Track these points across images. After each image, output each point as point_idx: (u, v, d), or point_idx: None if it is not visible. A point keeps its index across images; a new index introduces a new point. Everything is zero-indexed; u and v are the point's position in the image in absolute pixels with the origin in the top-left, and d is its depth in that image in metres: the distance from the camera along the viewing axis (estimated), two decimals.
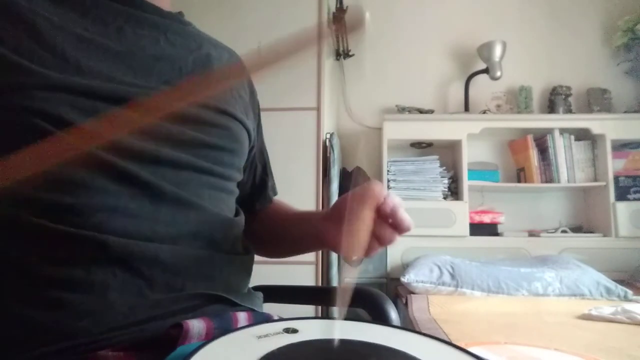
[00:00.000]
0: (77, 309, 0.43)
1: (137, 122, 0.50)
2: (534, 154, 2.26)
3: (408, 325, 1.40)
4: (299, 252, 0.73)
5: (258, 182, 0.74)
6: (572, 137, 2.26)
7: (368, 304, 0.70)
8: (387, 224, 0.49)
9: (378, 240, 0.49)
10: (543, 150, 2.27)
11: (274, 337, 0.34)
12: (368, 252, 0.49)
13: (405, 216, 0.49)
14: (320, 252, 1.74)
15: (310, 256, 1.74)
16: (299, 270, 1.74)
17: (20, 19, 0.47)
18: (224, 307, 0.53)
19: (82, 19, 0.51)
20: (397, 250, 2.15)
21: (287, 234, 0.71)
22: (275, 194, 0.78)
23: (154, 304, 0.47)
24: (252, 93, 0.70)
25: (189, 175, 0.53)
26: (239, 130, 0.61)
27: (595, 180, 2.23)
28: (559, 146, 2.23)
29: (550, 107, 2.38)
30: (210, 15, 1.92)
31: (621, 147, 2.27)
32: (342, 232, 0.48)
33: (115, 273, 0.45)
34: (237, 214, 0.63)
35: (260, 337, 0.34)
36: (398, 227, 0.49)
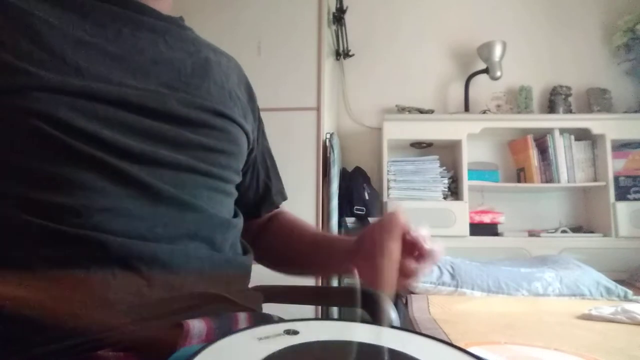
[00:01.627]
0: (77, 307, 0.43)
1: (136, 124, 0.50)
2: (534, 154, 2.26)
3: (408, 325, 1.40)
4: (308, 275, 0.72)
5: (261, 187, 0.74)
6: (572, 137, 2.26)
7: (368, 304, 0.70)
8: (413, 256, 0.49)
9: (403, 274, 0.48)
10: (543, 150, 2.27)
11: (274, 338, 0.34)
12: (396, 286, 0.49)
13: (433, 246, 0.49)
14: None
15: None
16: None
17: (19, 21, 0.47)
18: (224, 306, 0.53)
19: (80, 22, 0.51)
20: None
21: (300, 258, 0.70)
22: (284, 198, 0.77)
23: (154, 303, 0.47)
24: (251, 97, 0.70)
25: (187, 176, 0.53)
26: (237, 133, 0.61)
27: (595, 180, 2.23)
28: (559, 146, 2.23)
29: (550, 107, 2.38)
30: (210, 15, 1.92)
31: (621, 147, 2.27)
32: (373, 268, 0.47)
33: (114, 272, 0.45)
34: (235, 215, 0.63)
35: (260, 339, 0.34)
36: (425, 258, 0.49)
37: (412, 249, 0.49)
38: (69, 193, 0.45)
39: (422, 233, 0.49)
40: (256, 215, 0.73)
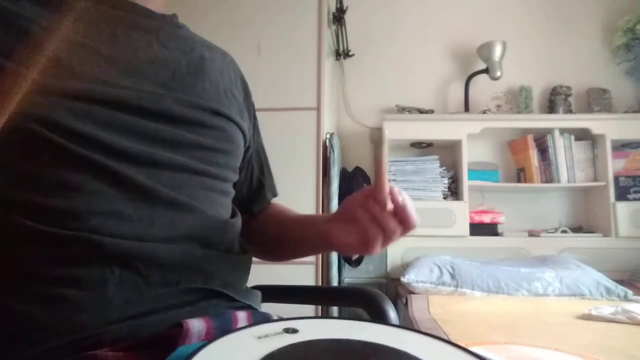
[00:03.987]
0: (76, 304, 0.43)
1: (133, 125, 0.50)
2: (534, 154, 2.26)
3: (408, 325, 1.40)
4: (299, 254, 0.72)
5: (255, 183, 0.74)
6: (572, 137, 2.26)
7: (367, 304, 0.70)
8: (394, 218, 0.50)
9: (383, 233, 0.50)
10: (543, 150, 2.27)
11: (274, 337, 0.34)
12: (373, 246, 0.50)
13: (412, 212, 0.50)
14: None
15: (310, 256, 1.74)
16: (299, 270, 1.74)
17: (13, 25, 0.47)
18: (222, 302, 0.53)
19: (74, 24, 0.51)
20: (397, 250, 2.15)
21: (288, 236, 0.71)
22: (274, 194, 0.78)
23: (151, 298, 0.47)
24: (247, 94, 0.70)
25: (185, 177, 0.53)
26: (233, 132, 0.61)
27: (595, 180, 2.24)
28: (559, 146, 2.23)
29: (550, 107, 2.38)
30: (210, 15, 1.93)
31: (621, 147, 2.27)
32: (353, 229, 0.50)
33: (112, 270, 0.45)
34: (233, 215, 0.63)
35: (260, 337, 0.34)
36: (404, 222, 0.50)
37: (394, 210, 0.50)
38: (67, 196, 0.45)
39: (405, 196, 0.51)
40: (248, 211, 0.73)
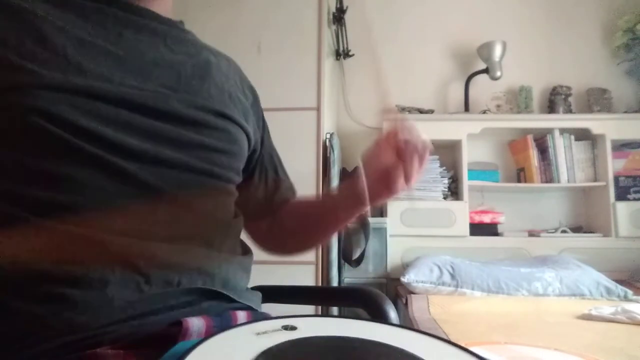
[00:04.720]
0: (77, 303, 0.43)
1: (138, 123, 0.50)
2: (534, 154, 2.26)
3: (408, 325, 1.40)
4: (329, 228, 0.73)
5: (270, 185, 0.74)
6: (572, 137, 2.26)
7: (367, 304, 0.70)
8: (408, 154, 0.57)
9: (403, 166, 0.58)
10: (543, 150, 2.28)
11: (272, 333, 0.34)
12: (395, 185, 0.59)
13: (419, 137, 0.58)
14: (320, 252, 1.74)
15: (310, 256, 1.74)
16: (299, 270, 1.74)
17: (23, 20, 0.48)
18: (222, 303, 0.53)
19: (82, 23, 0.52)
20: (397, 250, 2.15)
21: (314, 216, 0.72)
22: (294, 193, 0.78)
23: (152, 298, 0.47)
24: (255, 99, 0.71)
25: (188, 176, 0.54)
26: (237, 133, 0.61)
27: (595, 180, 2.24)
28: (559, 146, 2.23)
29: (550, 107, 2.38)
30: (210, 16, 1.92)
31: (621, 147, 2.27)
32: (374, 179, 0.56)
33: (113, 269, 0.45)
34: (235, 215, 0.64)
35: (259, 333, 0.34)
36: (415, 148, 0.58)
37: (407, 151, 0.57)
38: (70, 191, 0.45)
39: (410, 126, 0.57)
40: (268, 212, 0.73)
